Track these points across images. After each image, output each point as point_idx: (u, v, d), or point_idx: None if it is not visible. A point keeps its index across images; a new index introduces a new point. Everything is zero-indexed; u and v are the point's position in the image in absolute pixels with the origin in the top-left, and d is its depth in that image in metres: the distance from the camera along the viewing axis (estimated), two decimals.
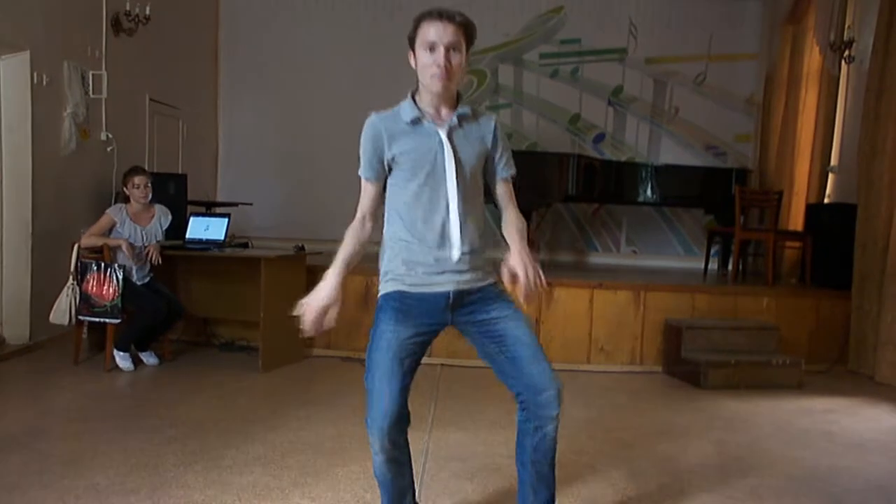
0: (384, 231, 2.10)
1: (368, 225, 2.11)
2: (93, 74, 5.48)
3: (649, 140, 7.99)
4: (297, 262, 4.92)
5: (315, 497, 2.64)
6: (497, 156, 2.10)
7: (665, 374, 4.98)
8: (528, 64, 8.00)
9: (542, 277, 1.89)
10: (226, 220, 5.01)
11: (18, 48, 4.75)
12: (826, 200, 6.42)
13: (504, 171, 2.12)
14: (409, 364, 2.02)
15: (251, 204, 7.15)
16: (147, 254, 4.50)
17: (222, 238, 4.91)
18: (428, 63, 1.94)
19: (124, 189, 4.60)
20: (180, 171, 6.73)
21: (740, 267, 6.50)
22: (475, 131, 2.06)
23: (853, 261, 5.23)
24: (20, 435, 3.16)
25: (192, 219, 5.09)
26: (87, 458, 2.90)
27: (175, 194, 5.80)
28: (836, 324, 5.32)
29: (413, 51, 2.00)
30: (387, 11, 7.99)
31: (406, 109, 2.02)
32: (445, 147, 1.99)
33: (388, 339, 2.00)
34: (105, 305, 4.32)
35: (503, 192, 2.13)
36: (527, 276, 1.86)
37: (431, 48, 1.93)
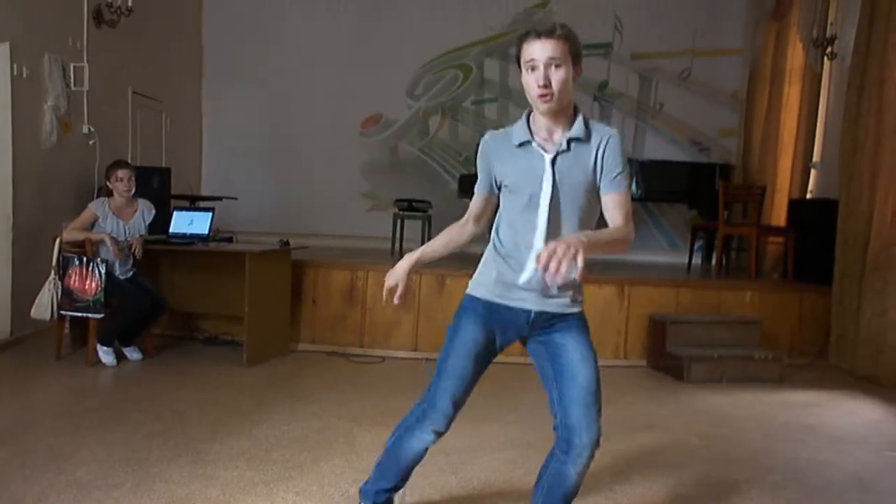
0: (492, 233, 2.13)
1: (470, 227, 2.17)
2: (74, 66, 5.40)
3: (634, 135, 8.02)
4: (281, 257, 4.90)
5: (300, 491, 2.63)
6: (606, 170, 1.95)
7: (649, 368, 5.02)
8: (514, 58, 7.97)
9: (564, 266, 1.65)
10: (210, 214, 4.98)
11: None
12: (808, 196, 6.48)
13: (613, 185, 1.95)
14: (482, 364, 2.10)
15: (235, 198, 7.11)
16: (131, 247, 4.46)
17: (206, 232, 4.87)
18: (530, 83, 1.91)
19: (107, 183, 4.56)
20: (164, 165, 6.68)
21: (724, 262, 6.55)
22: (585, 152, 1.95)
23: (834, 256, 5.29)
24: (2, 430, 3.13)
25: (175, 213, 5.05)
26: (70, 453, 2.87)
27: (159, 188, 5.76)
28: (817, 319, 5.37)
29: (521, 70, 1.97)
30: (372, 3, 7.98)
31: (518, 131, 1.99)
32: (547, 173, 1.94)
33: (465, 339, 2.06)
34: (87, 300, 4.29)
35: (612, 206, 1.97)
36: (549, 256, 1.65)
37: (532, 68, 1.90)
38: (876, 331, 4.84)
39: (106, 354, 4.38)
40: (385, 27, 7.93)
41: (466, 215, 2.16)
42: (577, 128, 1.94)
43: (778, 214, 6.72)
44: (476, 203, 2.14)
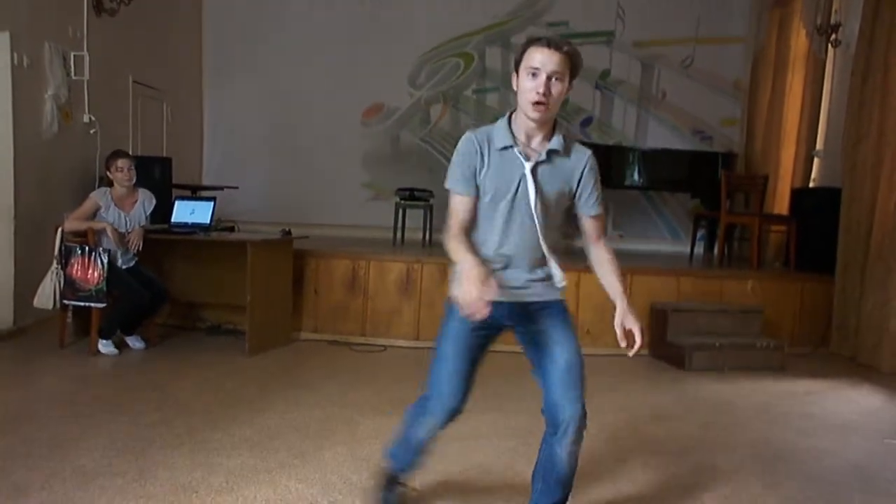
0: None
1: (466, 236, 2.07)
2: (74, 56, 5.39)
3: (636, 124, 7.99)
4: (283, 246, 4.90)
5: (303, 479, 2.65)
6: (584, 193, 2.08)
7: (651, 357, 5.02)
8: (516, 47, 7.91)
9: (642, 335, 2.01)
10: (211, 203, 4.98)
11: None
12: (811, 185, 6.47)
13: (591, 209, 2.10)
14: (477, 353, 2.14)
15: (237, 187, 7.11)
16: (128, 242, 4.46)
17: (208, 222, 4.87)
18: (528, 88, 1.94)
19: (107, 173, 4.54)
20: (165, 155, 6.67)
21: (726, 251, 6.55)
22: (564, 167, 2.05)
23: (837, 245, 5.28)
24: (5, 418, 3.14)
25: (177, 202, 5.05)
26: (73, 441, 2.89)
27: (160, 178, 5.76)
28: (819, 307, 5.37)
29: (517, 74, 1.99)
30: None
31: (500, 134, 2.03)
32: (528, 182, 2.00)
33: (457, 330, 2.09)
34: (90, 290, 4.29)
35: (590, 228, 2.14)
36: (640, 337, 2.00)
37: (534, 74, 1.93)
38: (878, 319, 4.84)
39: (105, 346, 4.39)
40: (386, 16, 7.89)
41: (456, 227, 2.04)
42: (558, 141, 2.02)
43: (780, 203, 6.71)
44: (463, 208, 2.05)
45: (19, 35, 4.80)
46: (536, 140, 2.03)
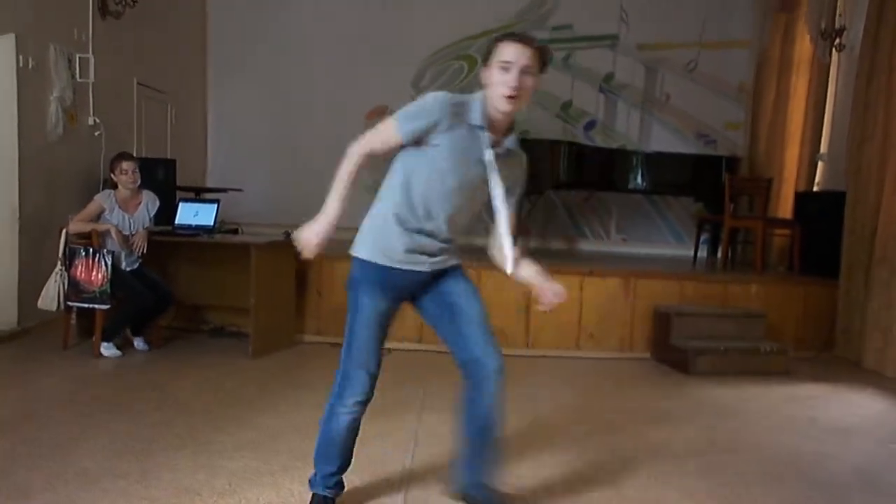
0: (384, 197, 2.17)
1: (362, 164, 2.15)
2: (79, 58, 5.41)
3: (640, 127, 7.99)
4: (287, 248, 4.87)
5: (305, 481, 2.62)
6: (514, 189, 2.21)
7: (654, 361, 5.01)
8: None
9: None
10: (215, 205, 4.98)
11: (3, 31, 4.68)
12: (815, 188, 6.46)
13: (514, 205, 2.24)
14: (384, 333, 2.25)
15: (241, 190, 7.11)
16: (132, 245, 4.47)
17: (212, 224, 4.88)
18: (500, 81, 2.00)
19: (112, 175, 4.55)
20: (169, 157, 6.68)
21: (729, 255, 6.54)
22: (511, 164, 2.17)
23: (841, 248, 5.27)
24: (9, 419, 3.15)
25: (181, 204, 5.06)
26: (76, 443, 2.89)
27: (164, 180, 5.76)
28: (823, 311, 5.36)
29: (487, 68, 2.05)
30: None
31: (475, 112, 2.06)
32: (490, 168, 2.08)
33: (368, 311, 2.19)
34: (94, 291, 4.30)
35: (510, 219, 2.21)
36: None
37: (506, 68, 1.99)
38: (883, 323, 4.83)
39: (107, 349, 4.39)
40: (391, 18, 7.90)
41: (368, 149, 2.12)
42: (512, 140, 2.14)
43: (784, 207, 6.70)
44: (386, 143, 2.10)
45: (24, 37, 4.82)
46: (497, 132, 2.09)
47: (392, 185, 2.15)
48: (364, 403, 2.25)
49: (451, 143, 2.04)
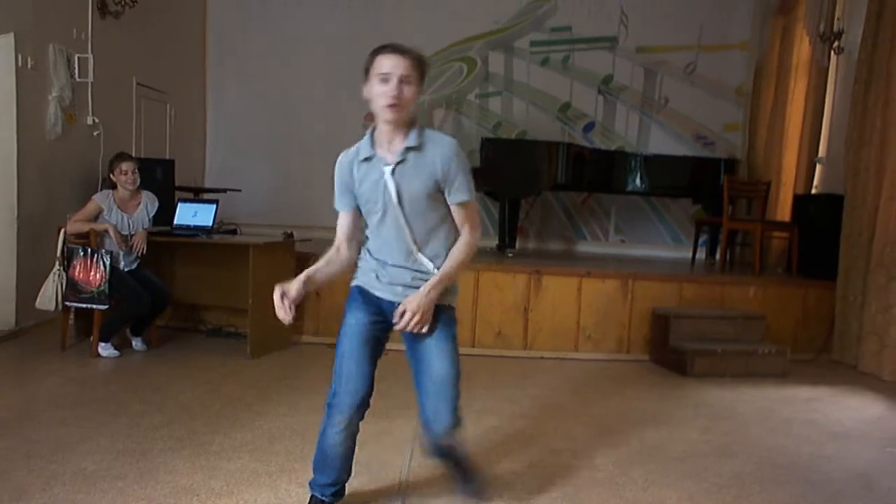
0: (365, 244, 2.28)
1: (344, 252, 2.27)
2: (79, 58, 5.41)
3: (639, 129, 8.00)
4: (285, 249, 4.91)
5: (303, 483, 2.63)
6: (446, 183, 2.12)
7: (652, 363, 5.02)
8: (519, 51, 7.99)
9: (420, 325, 2.11)
10: (214, 206, 4.99)
11: (2, 30, 4.68)
12: (813, 191, 6.46)
13: (454, 196, 2.13)
14: (374, 345, 2.24)
15: (239, 190, 7.12)
16: (133, 247, 4.47)
17: (210, 224, 4.88)
18: (381, 93, 2.03)
19: (111, 176, 4.54)
20: (168, 157, 6.68)
21: (728, 257, 6.54)
22: (425, 161, 2.09)
23: (839, 251, 5.28)
24: (7, 420, 3.15)
25: (179, 205, 5.06)
26: (74, 444, 2.89)
27: (163, 180, 5.76)
28: (821, 314, 5.37)
29: (367, 81, 2.08)
30: None
31: (364, 147, 2.15)
32: (389, 184, 2.09)
33: (352, 325, 2.23)
34: (92, 291, 4.30)
35: (457, 216, 2.17)
36: (406, 321, 2.10)
37: (385, 79, 2.02)
38: (880, 326, 4.83)
39: (105, 349, 4.39)
40: (389, 19, 7.88)
41: (336, 242, 2.26)
42: (412, 138, 2.09)
43: (783, 209, 6.71)
44: (343, 224, 2.24)
45: (24, 37, 4.82)
46: (396, 142, 2.10)
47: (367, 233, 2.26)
48: (349, 422, 2.22)
49: (365, 186, 2.14)
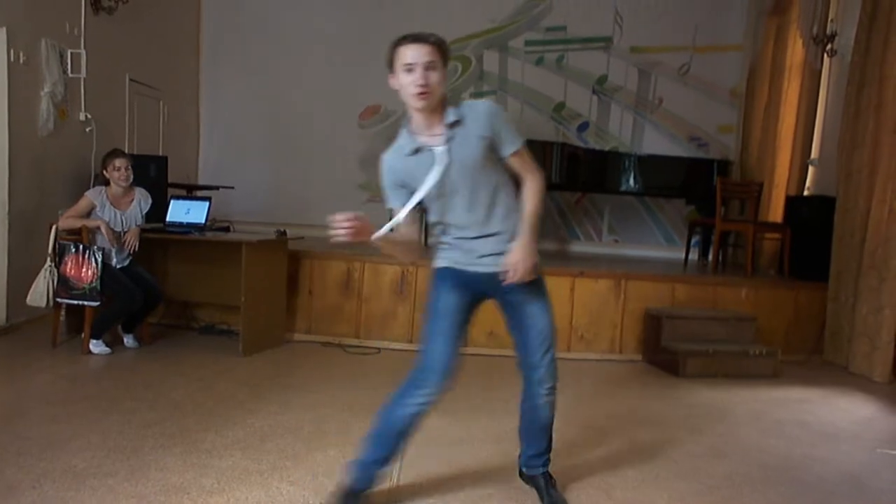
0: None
1: (413, 235, 2.34)
2: (71, 53, 5.38)
3: (633, 130, 8.01)
4: (278, 247, 4.89)
5: (294, 481, 2.64)
6: (497, 140, 2.20)
7: (644, 363, 5.03)
8: (514, 51, 7.99)
9: (531, 272, 2.21)
10: (207, 203, 4.97)
11: None
12: (806, 193, 6.49)
13: (506, 148, 2.22)
14: (461, 326, 2.33)
15: (233, 187, 7.10)
16: (124, 242, 4.45)
17: (203, 222, 4.87)
18: (408, 83, 2.09)
19: (104, 172, 4.52)
20: (161, 154, 6.66)
21: (720, 258, 6.56)
22: (469, 131, 2.16)
23: (831, 253, 5.30)
24: None
25: (172, 202, 5.04)
26: (65, 441, 2.88)
27: (156, 177, 5.74)
28: (813, 315, 5.39)
29: (393, 75, 2.15)
30: None
31: (405, 142, 2.22)
32: (446, 163, 2.15)
33: (442, 303, 2.31)
34: (83, 288, 4.28)
35: (515, 166, 2.26)
36: (519, 272, 2.18)
37: (410, 69, 2.09)
38: (871, 328, 4.86)
39: (96, 346, 4.37)
40: (385, 16, 7.86)
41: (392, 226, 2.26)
42: (450, 114, 2.16)
43: (775, 211, 6.73)
44: (399, 217, 2.25)
45: (16, 31, 4.79)
46: (436, 125, 2.17)
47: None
48: (433, 398, 2.26)
49: (418, 177, 2.18)
